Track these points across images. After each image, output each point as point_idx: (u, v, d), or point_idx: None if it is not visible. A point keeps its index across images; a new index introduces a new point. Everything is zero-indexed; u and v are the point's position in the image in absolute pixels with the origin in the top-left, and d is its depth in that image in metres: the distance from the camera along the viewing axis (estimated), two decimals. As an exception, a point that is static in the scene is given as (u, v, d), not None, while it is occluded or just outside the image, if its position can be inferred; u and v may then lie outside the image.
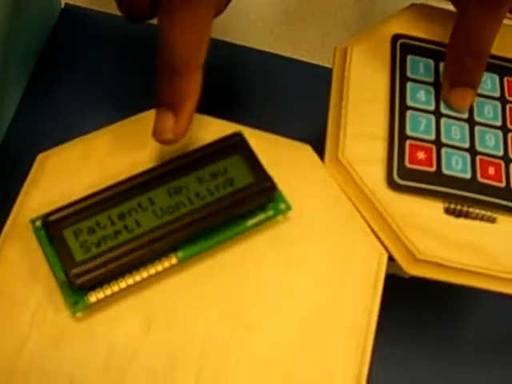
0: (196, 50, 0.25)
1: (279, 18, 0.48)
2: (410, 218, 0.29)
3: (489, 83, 0.32)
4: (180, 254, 0.25)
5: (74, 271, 0.23)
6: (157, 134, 0.26)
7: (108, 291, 0.24)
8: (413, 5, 0.34)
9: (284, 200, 0.27)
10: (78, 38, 0.44)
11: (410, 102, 0.31)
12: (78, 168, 0.27)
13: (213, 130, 0.28)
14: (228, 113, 0.30)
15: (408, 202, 0.29)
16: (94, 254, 0.24)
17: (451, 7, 0.32)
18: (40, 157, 0.27)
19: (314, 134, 0.32)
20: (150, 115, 0.28)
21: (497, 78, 0.32)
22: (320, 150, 0.30)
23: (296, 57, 0.45)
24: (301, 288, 0.26)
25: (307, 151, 0.29)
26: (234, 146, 0.27)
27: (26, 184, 0.27)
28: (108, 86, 0.42)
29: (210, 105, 0.29)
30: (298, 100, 0.43)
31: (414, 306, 0.39)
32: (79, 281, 0.23)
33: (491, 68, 0.32)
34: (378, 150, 0.30)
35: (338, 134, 0.30)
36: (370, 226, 0.28)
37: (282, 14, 0.48)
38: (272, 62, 0.45)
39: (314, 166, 0.29)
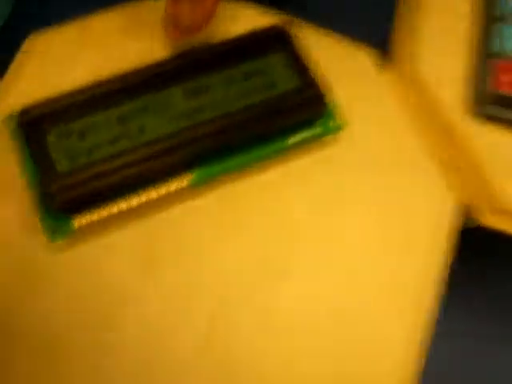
0: None
1: None
2: (495, 154, 0.22)
3: None
4: (195, 174, 0.19)
5: (55, 185, 0.17)
6: (169, 21, 0.20)
7: (97, 215, 0.18)
8: None
9: (335, 116, 0.20)
10: None
11: (498, 12, 0.24)
12: (73, 55, 0.21)
13: (249, 21, 0.22)
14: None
15: (493, 134, 0.22)
16: (82, 164, 0.18)
17: None
18: (28, 40, 0.21)
19: (380, 39, 0.25)
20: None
21: None
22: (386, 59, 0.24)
23: None
24: (349, 232, 0.20)
25: (371, 58, 0.23)
26: (276, 40, 0.20)
27: (9, 71, 0.21)
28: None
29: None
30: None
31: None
32: (60, 198, 0.17)
33: None
34: (459, 68, 0.23)
35: (410, 41, 0.23)
36: (442, 160, 0.22)
37: None
38: None
39: (378, 78, 0.23)
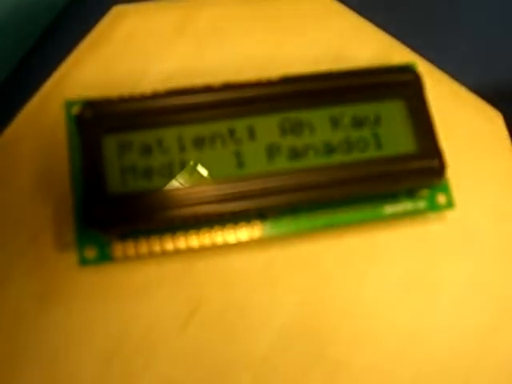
0: None
1: None
2: None
3: None
4: (268, 225, 0.16)
5: (100, 208, 0.14)
6: None
7: (144, 249, 0.15)
8: None
9: (447, 191, 0.17)
10: None
11: None
12: (166, 42, 0.18)
13: (373, 45, 0.19)
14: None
15: None
16: (138, 187, 0.15)
17: None
18: (114, 10, 0.18)
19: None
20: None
21: None
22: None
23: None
24: (427, 323, 0.17)
25: (496, 122, 0.19)
26: (402, 85, 0.17)
27: (85, 41, 0.18)
28: None
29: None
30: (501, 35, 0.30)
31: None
32: (104, 224, 0.14)
33: None
34: None
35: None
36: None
37: None
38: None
39: (501, 146, 0.19)
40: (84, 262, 0.15)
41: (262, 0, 0.19)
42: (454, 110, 0.19)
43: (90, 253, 0.15)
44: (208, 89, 0.16)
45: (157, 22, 0.18)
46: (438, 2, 0.28)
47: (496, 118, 0.19)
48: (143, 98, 0.15)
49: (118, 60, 0.17)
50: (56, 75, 0.17)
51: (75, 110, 0.16)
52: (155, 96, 0.15)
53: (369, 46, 0.19)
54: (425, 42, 0.22)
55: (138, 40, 0.18)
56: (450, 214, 0.17)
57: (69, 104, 0.16)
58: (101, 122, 0.15)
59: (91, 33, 0.17)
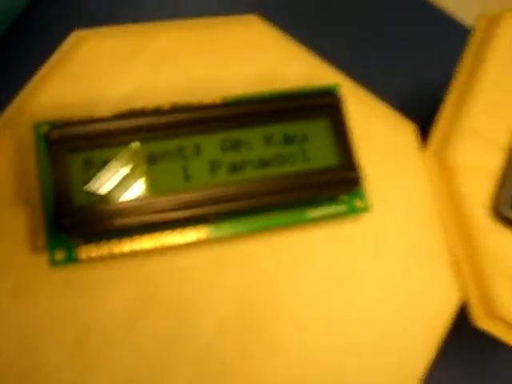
0: None
1: None
2: (506, 261, 0.22)
3: None
4: (211, 228, 0.19)
5: (68, 218, 0.17)
6: None
7: (105, 251, 0.18)
8: None
9: (363, 196, 0.20)
10: None
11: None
12: (123, 65, 0.20)
13: (301, 67, 0.21)
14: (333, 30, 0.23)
15: (509, 240, 0.22)
16: (100, 199, 0.17)
17: None
18: (75, 35, 0.20)
19: (427, 97, 0.24)
20: (239, 21, 0.21)
21: None
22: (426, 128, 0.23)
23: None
24: (348, 311, 0.20)
25: (410, 134, 0.22)
26: (325, 107, 0.20)
27: (47, 65, 0.20)
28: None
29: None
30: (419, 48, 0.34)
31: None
32: (72, 231, 0.17)
33: None
34: (496, 162, 0.23)
35: (452, 124, 0.23)
36: (454, 255, 0.22)
37: None
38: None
39: (413, 156, 0.22)
40: (54, 263, 0.18)
41: (207, 26, 0.21)
42: (373, 123, 0.22)
43: (59, 255, 0.18)
44: (159, 111, 0.18)
45: (115, 45, 0.20)
46: (362, 20, 0.31)
47: (409, 130, 0.22)
48: (103, 119, 0.18)
49: (79, 82, 0.20)
50: (23, 96, 0.20)
51: (43, 130, 0.18)
52: (113, 118, 0.18)
53: (298, 68, 0.21)
54: (352, 59, 0.25)
55: (98, 63, 0.20)
56: (366, 217, 0.20)
57: (37, 125, 0.18)
58: (66, 142, 0.17)
59: (54, 55, 0.20)
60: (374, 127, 0.22)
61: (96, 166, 0.17)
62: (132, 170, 0.18)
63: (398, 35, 0.30)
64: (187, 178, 0.18)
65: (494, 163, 0.23)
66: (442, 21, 0.34)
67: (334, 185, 0.19)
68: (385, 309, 0.20)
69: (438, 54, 0.26)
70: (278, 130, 0.19)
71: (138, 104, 0.19)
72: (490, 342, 0.24)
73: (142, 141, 0.18)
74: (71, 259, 0.18)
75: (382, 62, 0.24)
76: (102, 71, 0.20)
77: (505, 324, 0.22)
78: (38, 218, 0.18)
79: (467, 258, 0.22)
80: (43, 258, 0.18)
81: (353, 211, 0.20)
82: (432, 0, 0.36)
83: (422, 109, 0.24)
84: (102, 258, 0.18)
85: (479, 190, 0.22)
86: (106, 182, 0.17)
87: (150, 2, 0.26)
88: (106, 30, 0.21)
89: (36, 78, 0.20)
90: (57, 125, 0.17)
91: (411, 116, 0.23)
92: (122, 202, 0.17)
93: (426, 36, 0.32)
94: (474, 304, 0.22)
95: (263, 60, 0.21)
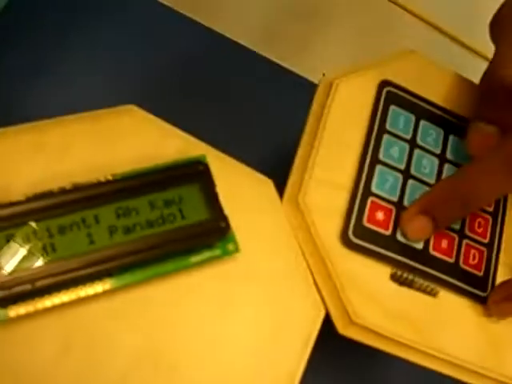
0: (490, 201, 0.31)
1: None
2: (355, 279, 0.28)
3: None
4: (114, 280, 0.23)
5: (-1, 282, 0.21)
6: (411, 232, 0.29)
7: (31, 308, 0.22)
8: (413, 52, 0.33)
9: (234, 240, 0.25)
10: None
11: (381, 156, 0.30)
12: (25, 160, 0.25)
13: (175, 143, 0.27)
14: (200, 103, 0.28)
15: (356, 262, 0.28)
16: (24, 265, 0.22)
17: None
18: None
19: (283, 154, 0.30)
20: (120, 111, 0.26)
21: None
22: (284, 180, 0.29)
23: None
24: (232, 333, 0.25)
25: (268, 186, 0.28)
26: (195, 174, 0.25)
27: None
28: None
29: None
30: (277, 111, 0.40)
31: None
32: (2, 294, 0.21)
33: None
34: (340, 200, 0.29)
35: (302, 174, 0.29)
36: (314, 278, 0.27)
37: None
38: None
39: (272, 204, 0.28)
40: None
41: (95, 117, 0.26)
42: (236, 182, 0.27)
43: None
44: (63, 191, 0.23)
45: (17, 142, 0.25)
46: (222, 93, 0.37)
47: (268, 184, 0.28)
48: (17, 203, 0.23)
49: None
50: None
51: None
52: (26, 201, 0.23)
53: (174, 145, 0.27)
54: (220, 130, 0.31)
55: (4, 159, 0.25)
56: (237, 256, 0.26)
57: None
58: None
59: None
60: (237, 185, 0.27)
61: (17, 240, 0.22)
62: (47, 240, 0.22)
63: (257, 102, 0.36)
64: (92, 242, 0.23)
65: (339, 202, 0.29)
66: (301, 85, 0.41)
67: (208, 234, 0.24)
68: (258, 328, 0.25)
69: (295, 115, 0.32)
70: (159, 197, 0.24)
71: (47, 187, 0.24)
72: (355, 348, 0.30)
73: (52, 216, 0.23)
74: (2, 318, 0.22)
75: (243, 130, 0.30)
76: (8, 166, 0.24)
77: (363, 330, 0.27)
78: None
79: (324, 279, 0.27)
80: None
81: (226, 253, 0.25)
82: (287, 66, 0.43)
83: (280, 166, 0.30)
84: (28, 314, 0.23)
85: (329, 224, 0.28)
86: (27, 251, 0.22)
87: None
88: (6, 130, 0.25)
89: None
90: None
91: (271, 173, 0.29)
92: (39, 267, 0.22)
93: (284, 101, 0.39)
94: (335, 316, 0.27)
95: (143, 141, 0.26)
